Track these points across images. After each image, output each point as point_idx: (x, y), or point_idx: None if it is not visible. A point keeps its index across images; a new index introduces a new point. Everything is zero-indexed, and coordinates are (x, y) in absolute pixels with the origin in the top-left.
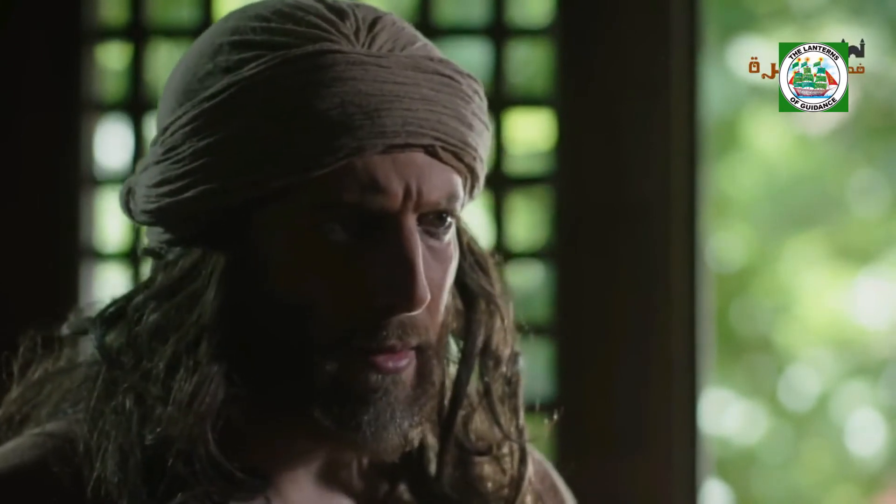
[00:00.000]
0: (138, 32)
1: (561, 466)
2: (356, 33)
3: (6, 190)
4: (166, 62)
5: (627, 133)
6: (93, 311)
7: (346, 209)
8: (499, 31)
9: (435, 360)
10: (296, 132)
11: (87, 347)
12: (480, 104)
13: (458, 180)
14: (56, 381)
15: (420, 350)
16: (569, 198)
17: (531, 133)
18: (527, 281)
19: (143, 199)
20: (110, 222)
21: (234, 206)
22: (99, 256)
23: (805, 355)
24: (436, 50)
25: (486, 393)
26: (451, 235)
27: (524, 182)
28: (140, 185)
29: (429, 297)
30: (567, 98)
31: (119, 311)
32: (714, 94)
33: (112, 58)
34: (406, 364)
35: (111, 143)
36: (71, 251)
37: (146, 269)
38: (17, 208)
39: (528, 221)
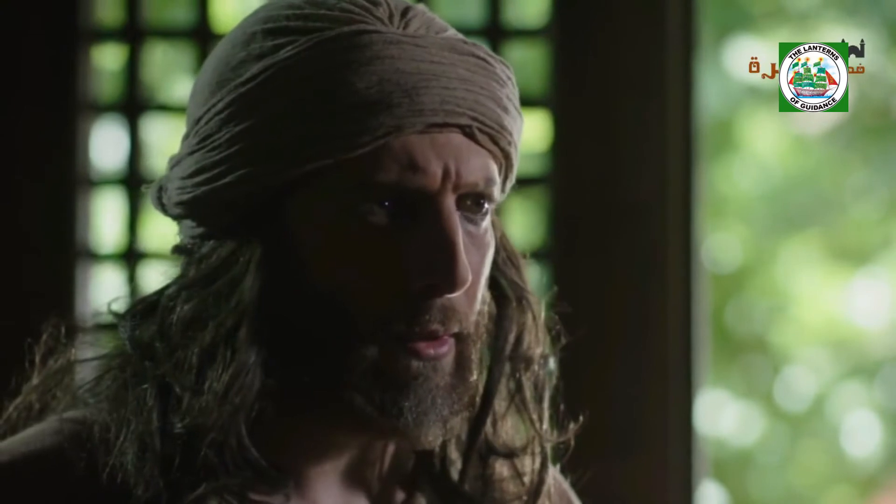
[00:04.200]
0: (134, 33)
1: (556, 467)
2: (390, 18)
3: (2, 190)
4: (162, 63)
5: (624, 134)
6: (118, 306)
7: (383, 190)
8: (495, 32)
9: (473, 349)
10: (334, 111)
11: (108, 340)
12: (514, 90)
13: (494, 165)
14: (76, 371)
15: (459, 338)
16: (565, 198)
17: (527, 134)
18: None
19: (177, 191)
20: (106, 223)
21: (271, 190)
22: (95, 257)
23: (801, 356)
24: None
25: (518, 392)
26: (488, 222)
27: (520, 183)
28: (172, 179)
29: (470, 278)
30: (563, 99)
31: (150, 306)
32: (710, 94)
33: (108, 58)
34: (446, 351)
35: (107, 144)
36: (67, 252)
37: (143, 270)
38: (13, 209)
39: (524, 222)
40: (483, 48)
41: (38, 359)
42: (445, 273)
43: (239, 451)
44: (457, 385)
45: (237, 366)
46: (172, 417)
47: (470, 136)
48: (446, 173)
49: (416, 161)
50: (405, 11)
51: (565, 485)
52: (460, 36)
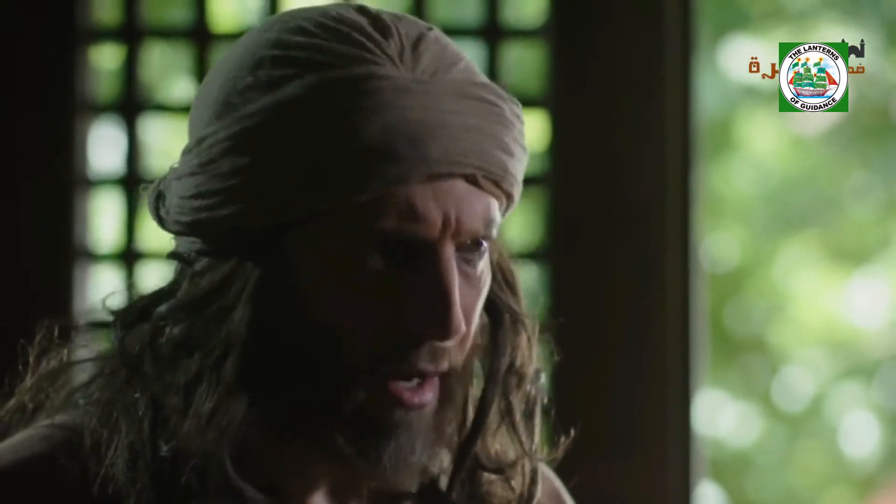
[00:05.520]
0: (132, 33)
1: (555, 468)
2: (400, 54)
3: (1, 190)
4: (160, 63)
5: (622, 134)
6: (111, 305)
7: (383, 236)
8: (493, 32)
9: (458, 383)
10: (338, 156)
11: (100, 341)
12: (521, 128)
13: (496, 205)
14: (69, 372)
15: (445, 374)
16: (563, 199)
17: (527, 134)
18: (521, 282)
19: (177, 209)
20: (104, 223)
21: (271, 224)
22: (92, 257)
23: (799, 356)
24: (476, 69)
25: (509, 412)
26: (485, 261)
27: None
28: (172, 194)
29: (464, 328)
30: (561, 99)
31: (141, 315)
32: (708, 94)
33: (106, 58)
34: (430, 399)
35: (105, 144)
36: (64, 252)
37: (141, 270)
38: (11, 209)
39: (522, 222)
40: (493, 89)
41: (31, 360)
42: (440, 325)
43: (222, 479)
44: (438, 424)
45: (221, 394)
46: (159, 438)
47: (473, 182)
48: (446, 222)
49: (416, 210)
50: (416, 43)
51: (557, 483)
52: (470, 72)
